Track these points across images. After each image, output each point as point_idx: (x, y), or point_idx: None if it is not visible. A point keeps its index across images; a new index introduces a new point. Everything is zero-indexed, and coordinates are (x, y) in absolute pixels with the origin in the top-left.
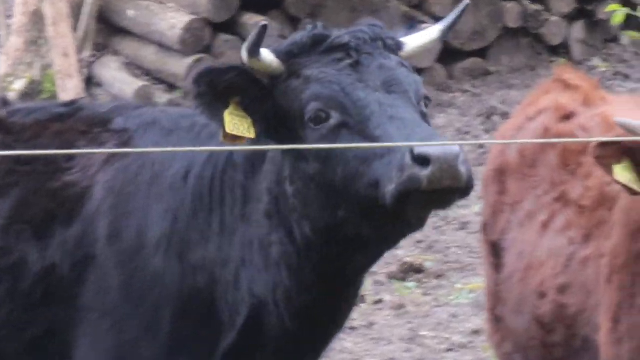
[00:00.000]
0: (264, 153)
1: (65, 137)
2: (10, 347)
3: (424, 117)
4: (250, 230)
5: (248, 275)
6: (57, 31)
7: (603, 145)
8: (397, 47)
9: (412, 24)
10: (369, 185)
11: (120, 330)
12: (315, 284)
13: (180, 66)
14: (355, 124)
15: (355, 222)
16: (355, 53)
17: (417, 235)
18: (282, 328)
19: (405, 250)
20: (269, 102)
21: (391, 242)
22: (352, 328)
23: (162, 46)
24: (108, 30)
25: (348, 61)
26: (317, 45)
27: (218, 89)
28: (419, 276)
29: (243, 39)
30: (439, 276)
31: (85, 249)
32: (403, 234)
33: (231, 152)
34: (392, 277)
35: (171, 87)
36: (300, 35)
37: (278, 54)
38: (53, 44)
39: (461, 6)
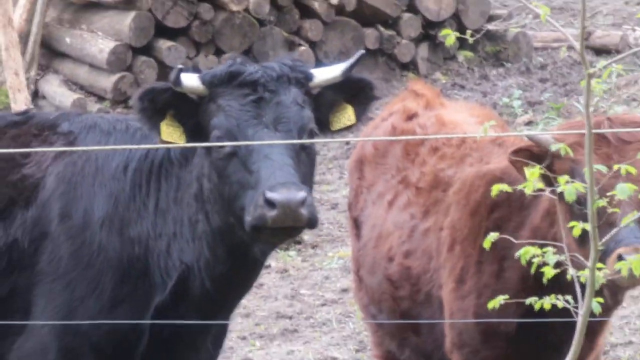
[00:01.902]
0: (195, 149)
1: (21, 140)
2: None
3: (304, 148)
4: (182, 210)
5: (178, 247)
6: (9, 55)
7: (517, 152)
8: (306, 79)
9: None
10: (240, 208)
11: (71, 290)
12: (228, 259)
13: (107, 82)
14: (242, 155)
15: (240, 230)
16: (262, 88)
17: None
18: (202, 289)
19: None
20: (195, 116)
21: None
22: None
23: (93, 66)
24: (50, 54)
25: (252, 97)
26: (233, 79)
27: (157, 105)
28: (299, 246)
29: (157, 60)
30: (314, 246)
31: (41, 227)
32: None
33: (168, 150)
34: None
35: (101, 98)
36: (221, 69)
37: (203, 80)
38: (6, 65)
39: (357, 54)
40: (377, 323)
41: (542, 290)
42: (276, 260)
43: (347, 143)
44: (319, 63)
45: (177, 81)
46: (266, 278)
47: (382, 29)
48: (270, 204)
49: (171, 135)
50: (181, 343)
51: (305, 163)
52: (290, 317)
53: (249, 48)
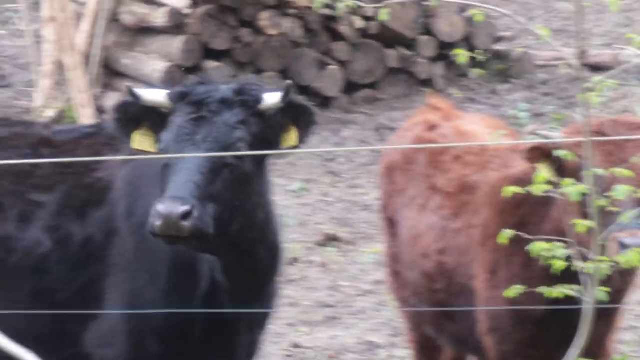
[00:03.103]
0: None
1: (94, 149)
2: (62, 294)
3: (226, 166)
4: None
5: None
6: (75, 75)
7: (533, 149)
8: (255, 102)
9: (321, 68)
10: None
11: (134, 279)
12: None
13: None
14: (170, 168)
15: None
16: (205, 108)
17: (335, 215)
18: (221, 281)
19: (326, 226)
20: (165, 126)
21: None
22: (291, 281)
23: (148, 85)
24: (110, 74)
25: (193, 116)
26: (184, 98)
27: (129, 116)
28: (337, 243)
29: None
30: (350, 243)
31: (111, 223)
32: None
33: None
34: (318, 244)
35: None
36: (177, 89)
37: (169, 96)
38: (72, 84)
39: (285, 84)
40: (416, 312)
41: (564, 279)
42: (318, 255)
43: (375, 151)
44: (349, 80)
45: (135, 96)
46: (309, 272)
47: (402, 49)
48: (157, 214)
49: (142, 144)
50: (227, 327)
51: (226, 180)
52: (332, 306)
53: (285, 67)
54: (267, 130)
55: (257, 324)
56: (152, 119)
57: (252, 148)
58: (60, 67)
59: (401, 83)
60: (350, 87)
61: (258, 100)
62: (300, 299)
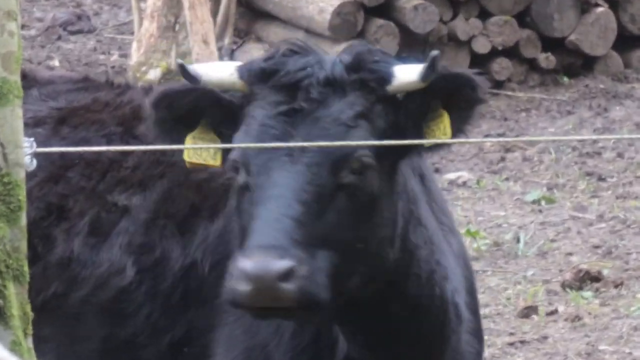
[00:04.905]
0: None
1: None
2: (148, 352)
3: (341, 187)
4: None
5: None
6: (196, 15)
7: None
8: (380, 82)
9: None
10: None
11: (252, 334)
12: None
13: (330, 53)
14: (250, 192)
15: None
16: (302, 95)
17: (594, 240)
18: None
19: (580, 257)
20: (238, 122)
21: None
22: (524, 342)
23: (310, 32)
24: (250, 15)
25: (283, 108)
26: (267, 79)
27: (179, 113)
28: (597, 285)
29: (399, 24)
30: (618, 285)
31: (227, 245)
32: None
33: None
34: (566, 285)
35: None
36: (257, 61)
37: (242, 75)
38: (191, 29)
39: (431, 55)
40: None
41: None
42: (565, 303)
43: None
44: (624, 31)
45: (186, 75)
46: (552, 328)
47: None
48: (242, 275)
49: (199, 155)
50: None
51: (342, 210)
52: None
53: (526, 9)
54: (402, 122)
55: None
56: (214, 112)
57: (379, 152)
58: (172, 3)
59: None
60: (627, 42)
61: (385, 77)
62: None
